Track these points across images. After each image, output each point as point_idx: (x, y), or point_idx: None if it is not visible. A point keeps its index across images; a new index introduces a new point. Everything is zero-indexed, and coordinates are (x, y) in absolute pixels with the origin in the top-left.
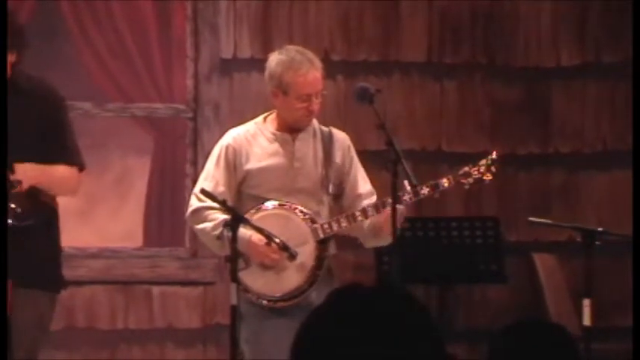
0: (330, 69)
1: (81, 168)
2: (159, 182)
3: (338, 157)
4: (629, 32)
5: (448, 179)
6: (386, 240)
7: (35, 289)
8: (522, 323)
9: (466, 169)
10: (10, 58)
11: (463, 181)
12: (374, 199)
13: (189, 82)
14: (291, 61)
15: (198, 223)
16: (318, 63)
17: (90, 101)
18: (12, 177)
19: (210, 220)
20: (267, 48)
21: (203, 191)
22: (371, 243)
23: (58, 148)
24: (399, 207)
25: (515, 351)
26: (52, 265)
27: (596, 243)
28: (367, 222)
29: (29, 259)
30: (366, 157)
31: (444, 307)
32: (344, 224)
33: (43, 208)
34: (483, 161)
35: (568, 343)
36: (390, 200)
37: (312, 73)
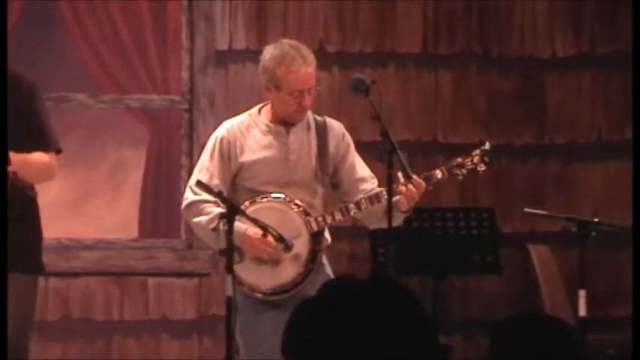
0: (325, 60)
1: (57, 151)
2: (154, 173)
3: (332, 147)
4: (624, 23)
5: (441, 170)
6: (399, 218)
7: (14, 273)
8: (524, 316)
9: (459, 159)
10: None
11: (457, 172)
12: (375, 182)
13: (185, 74)
14: (284, 56)
15: (194, 217)
16: (311, 59)
17: (85, 92)
18: (8, 168)
19: (205, 214)
20: (263, 39)
21: (199, 183)
22: (378, 224)
23: (35, 134)
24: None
25: (517, 344)
26: (30, 251)
27: (592, 234)
28: (396, 197)
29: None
30: (361, 149)
31: (439, 298)
32: (338, 217)
33: (20, 199)
34: (476, 152)
35: (570, 337)
36: (384, 192)
37: (305, 69)
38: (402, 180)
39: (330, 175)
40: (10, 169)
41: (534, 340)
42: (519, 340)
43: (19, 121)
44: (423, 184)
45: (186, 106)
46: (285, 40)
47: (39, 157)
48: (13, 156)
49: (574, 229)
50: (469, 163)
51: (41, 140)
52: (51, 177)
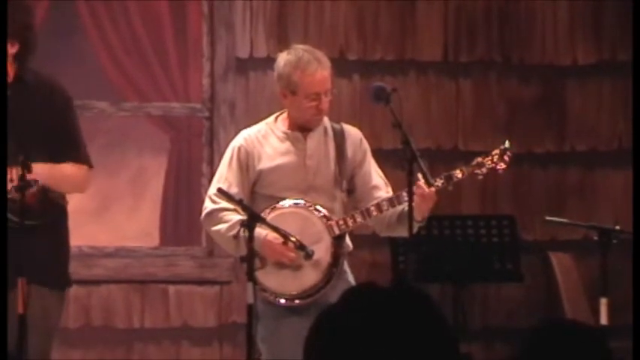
0: (346, 68)
1: (90, 166)
2: (175, 181)
3: (350, 152)
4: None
5: (462, 170)
6: (413, 227)
7: (42, 287)
8: (553, 323)
9: (479, 159)
10: (11, 49)
11: (477, 171)
12: (389, 190)
13: (205, 81)
14: (299, 60)
15: (213, 225)
16: (326, 62)
17: (106, 100)
18: (29, 176)
19: (224, 222)
20: (283, 47)
21: (220, 190)
22: (389, 232)
23: (67, 145)
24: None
25: (545, 352)
26: (58, 264)
27: (613, 241)
28: (399, 208)
29: (37, 257)
30: (382, 156)
31: (459, 306)
32: (359, 220)
33: (52, 208)
34: (496, 151)
35: (601, 346)
36: (405, 194)
37: (320, 72)
38: (422, 182)
39: (347, 180)
40: (32, 177)
41: (563, 347)
42: (547, 348)
43: (51, 132)
44: (434, 193)
45: (206, 113)
46: (299, 46)
47: (68, 167)
48: (42, 166)
49: (595, 237)
50: (489, 162)
51: (73, 152)
52: (82, 189)
